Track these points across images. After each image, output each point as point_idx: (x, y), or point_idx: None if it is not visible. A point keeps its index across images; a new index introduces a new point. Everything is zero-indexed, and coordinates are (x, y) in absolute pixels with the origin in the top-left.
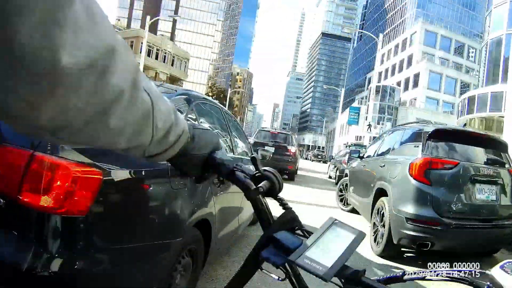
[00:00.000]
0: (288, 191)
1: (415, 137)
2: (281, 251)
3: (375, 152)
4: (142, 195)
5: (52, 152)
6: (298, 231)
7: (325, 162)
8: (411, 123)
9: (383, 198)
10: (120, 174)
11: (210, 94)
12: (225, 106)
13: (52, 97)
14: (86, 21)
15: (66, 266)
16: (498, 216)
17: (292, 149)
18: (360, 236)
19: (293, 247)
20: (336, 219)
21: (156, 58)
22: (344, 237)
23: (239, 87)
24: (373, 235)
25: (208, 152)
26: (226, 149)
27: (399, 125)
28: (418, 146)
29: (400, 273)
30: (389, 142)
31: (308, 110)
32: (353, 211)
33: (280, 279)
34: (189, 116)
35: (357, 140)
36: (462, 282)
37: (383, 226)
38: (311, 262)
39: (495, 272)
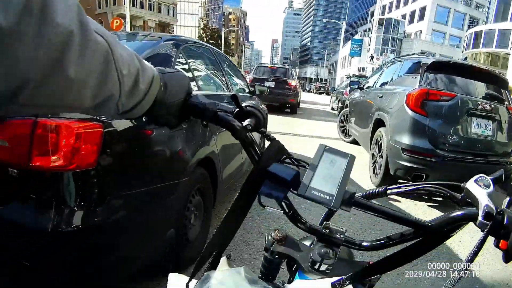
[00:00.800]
0: (291, 124)
1: (414, 68)
2: (279, 184)
3: (375, 83)
4: (142, 141)
5: (53, 115)
6: (287, 160)
7: (327, 94)
8: (412, 54)
9: (381, 129)
10: (119, 124)
11: (203, 35)
12: (220, 46)
13: None
14: None
15: (87, 219)
16: (493, 152)
17: (293, 82)
18: (351, 160)
19: (290, 179)
20: (326, 146)
21: (142, 7)
22: (338, 162)
23: (234, 26)
24: (372, 166)
25: (183, 96)
26: (222, 88)
27: (399, 57)
28: (416, 78)
29: (383, 188)
30: (388, 73)
31: (309, 44)
32: (354, 142)
33: (285, 212)
34: (178, 60)
35: (359, 71)
36: (438, 195)
37: (381, 156)
38: (318, 193)
39: (469, 185)
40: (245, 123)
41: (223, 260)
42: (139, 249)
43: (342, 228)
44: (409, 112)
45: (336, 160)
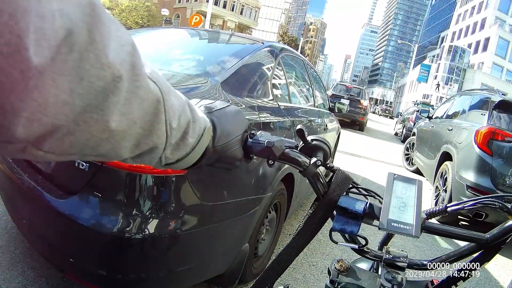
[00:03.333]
0: (358, 140)
1: (482, 104)
2: (350, 218)
3: (444, 114)
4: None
5: None
6: (353, 189)
7: (391, 117)
8: (479, 89)
9: (447, 162)
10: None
11: (281, 42)
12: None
13: (21, 92)
14: None
15: (161, 228)
16: None
17: (365, 102)
18: (420, 185)
19: (361, 212)
20: (395, 174)
21: (224, 7)
22: (408, 189)
23: (312, 37)
24: (435, 199)
25: (239, 136)
26: (309, 102)
27: (468, 90)
28: (484, 115)
29: (443, 206)
30: (457, 105)
31: (380, 64)
32: (417, 171)
33: (359, 246)
34: (277, 68)
35: (424, 98)
36: (492, 206)
37: (445, 191)
38: (399, 225)
39: None
40: (314, 159)
41: None
42: (211, 262)
43: (403, 251)
44: (477, 149)
45: (406, 187)
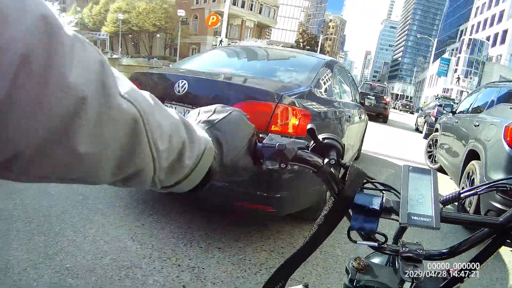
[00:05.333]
0: (383, 131)
1: (510, 97)
2: (368, 215)
3: (468, 108)
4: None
5: (287, 103)
6: (367, 185)
7: (411, 113)
8: (504, 81)
9: (474, 162)
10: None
11: (301, 40)
12: (316, 52)
13: None
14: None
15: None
16: None
17: (387, 98)
18: (435, 175)
19: (378, 208)
20: (410, 166)
21: (243, 6)
22: (424, 181)
23: (331, 34)
24: (462, 202)
25: (246, 144)
26: (350, 98)
27: (494, 82)
28: None
29: (456, 193)
30: (483, 99)
31: (400, 59)
32: (441, 170)
33: (379, 244)
34: (334, 75)
35: (444, 92)
36: (504, 189)
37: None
38: (419, 218)
39: None
40: (327, 159)
41: None
42: (308, 194)
43: (417, 242)
44: (507, 147)
45: (422, 178)
